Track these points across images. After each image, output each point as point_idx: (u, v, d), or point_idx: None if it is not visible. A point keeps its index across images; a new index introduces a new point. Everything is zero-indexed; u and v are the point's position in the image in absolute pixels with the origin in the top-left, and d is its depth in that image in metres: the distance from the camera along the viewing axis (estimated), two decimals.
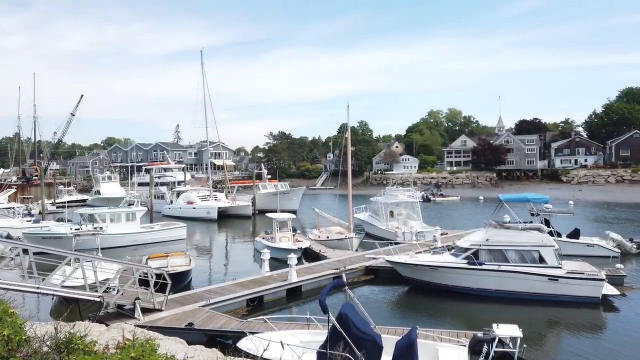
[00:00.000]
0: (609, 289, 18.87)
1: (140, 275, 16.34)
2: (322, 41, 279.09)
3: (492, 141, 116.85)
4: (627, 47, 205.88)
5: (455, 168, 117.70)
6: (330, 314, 9.57)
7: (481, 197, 73.11)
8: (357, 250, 28.56)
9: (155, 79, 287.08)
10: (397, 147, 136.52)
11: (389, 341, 10.51)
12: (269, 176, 70.48)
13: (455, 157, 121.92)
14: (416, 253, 22.76)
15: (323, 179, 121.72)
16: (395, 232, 32.64)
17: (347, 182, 36.26)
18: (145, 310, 15.41)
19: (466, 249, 20.40)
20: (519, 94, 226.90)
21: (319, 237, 32.26)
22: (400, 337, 10.70)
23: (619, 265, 21.70)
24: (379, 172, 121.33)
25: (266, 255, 21.93)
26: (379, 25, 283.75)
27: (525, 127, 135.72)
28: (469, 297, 19.50)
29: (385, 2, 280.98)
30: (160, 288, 16.14)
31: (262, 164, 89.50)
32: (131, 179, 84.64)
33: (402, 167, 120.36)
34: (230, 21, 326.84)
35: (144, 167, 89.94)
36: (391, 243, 25.31)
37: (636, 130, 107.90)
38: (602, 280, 18.43)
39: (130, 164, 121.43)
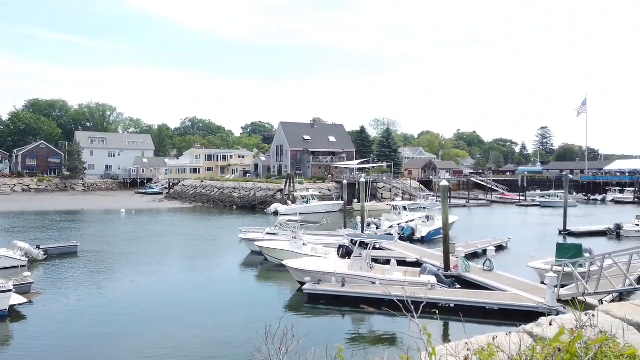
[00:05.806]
0: (16, 299, 18.87)
1: None
2: None
3: None
4: (25, 56, 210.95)
5: None
6: None
7: None
8: None
9: None
10: None
11: None
12: None
13: None
14: None
15: None
16: None
17: None
18: None
19: None
20: None
21: None
22: None
23: (26, 274, 21.99)
24: None
25: None
26: None
27: None
28: None
29: None
30: None
31: None
32: None
33: None
34: None
35: None
36: None
37: (42, 141, 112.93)
38: (9, 291, 18.22)
39: None
